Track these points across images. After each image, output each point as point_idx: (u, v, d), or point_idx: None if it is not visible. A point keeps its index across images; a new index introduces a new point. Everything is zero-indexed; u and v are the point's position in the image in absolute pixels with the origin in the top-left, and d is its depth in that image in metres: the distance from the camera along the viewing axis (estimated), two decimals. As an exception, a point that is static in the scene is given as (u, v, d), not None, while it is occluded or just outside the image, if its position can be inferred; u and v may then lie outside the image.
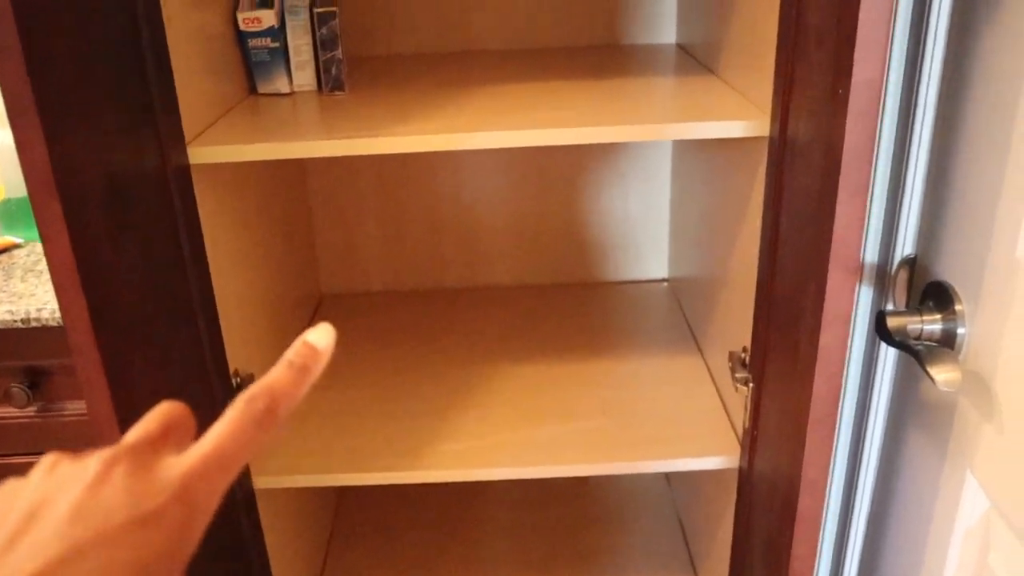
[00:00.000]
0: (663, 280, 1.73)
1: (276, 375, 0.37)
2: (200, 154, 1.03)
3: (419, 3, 1.54)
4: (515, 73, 1.35)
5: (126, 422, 0.84)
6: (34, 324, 1.07)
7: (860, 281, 0.94)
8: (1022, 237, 0.70)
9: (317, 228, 1.70)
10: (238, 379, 1.15)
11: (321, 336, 0.38)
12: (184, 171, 1.02)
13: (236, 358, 1.16)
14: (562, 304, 1.65)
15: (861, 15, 0.61)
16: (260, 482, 1.19)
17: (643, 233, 1.70)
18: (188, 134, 1.04)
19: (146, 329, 0.90)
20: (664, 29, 1.57)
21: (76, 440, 1.16)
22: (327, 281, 1.74)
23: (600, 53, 1.50)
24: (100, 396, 0.76)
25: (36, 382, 1.13)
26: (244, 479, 1.17)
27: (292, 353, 0.37)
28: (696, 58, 1.41)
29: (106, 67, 0.85)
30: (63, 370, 1.13)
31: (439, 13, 1.55)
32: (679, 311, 1.60)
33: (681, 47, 1.52)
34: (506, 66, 1.41)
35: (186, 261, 1.01)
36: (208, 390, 1.07)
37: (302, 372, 0.37)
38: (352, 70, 1.43)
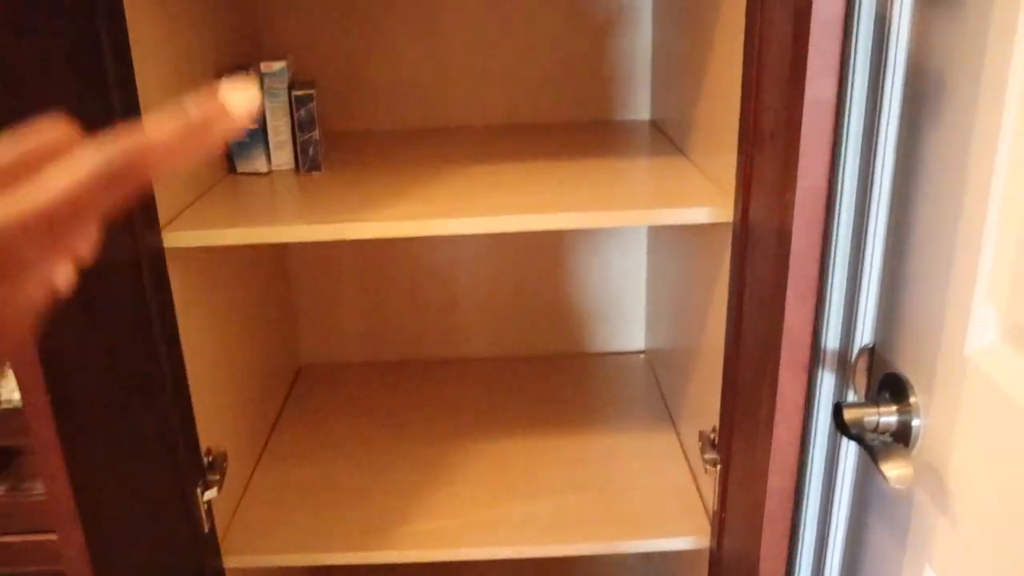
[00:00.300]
0: (640, 352, 1.74)
1: (161, 130, 0.29)
2: (175, 238, 1.05)
3: (400, 80, 1.58)
4: (492, 152, 1.38)
5: (87, 508, 0.84)
6: (5, 405, 1.08)
7: (822, 368, 0.96)
8: (969, 335, 0.72)
9: (297, 299, 1.71)
10: (210, 457, 1.15)
11: (239, 98, 0.30)
12: (158, 255, 1.03)
13: (208, 434, 1.16)
14: (540, 376, 1.65)
15: (804, 123, 0.63)
16: (229, 561, 1.18)
17: (621, 305, 1.72)
18: (164, 217, 1.06)
19: (111, 415, 0.91)
20: (639, 106, 1.60)
21: (45, 520, 1.15)
22: (306, 351, 1.75)
23: (577, 130, 1.53)
24: (60, 486, 0.76)
25: (5, 462, 1.13)
26: (213, 558, 1.17)
27: (194, 107, 0.30)
28: (668, 135, 1.44)
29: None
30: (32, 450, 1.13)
31: (419, 90, 1.58)
32: (655, 384, 1.60)
33: (655, 124, 1.56)
34: (484, 144, 1.44)
35: (157, 345, 1.02)
36: (177, 470, 1.07)
37: (195, 135, 0.29)
38: (331, 145, 1.45)
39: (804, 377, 0.73)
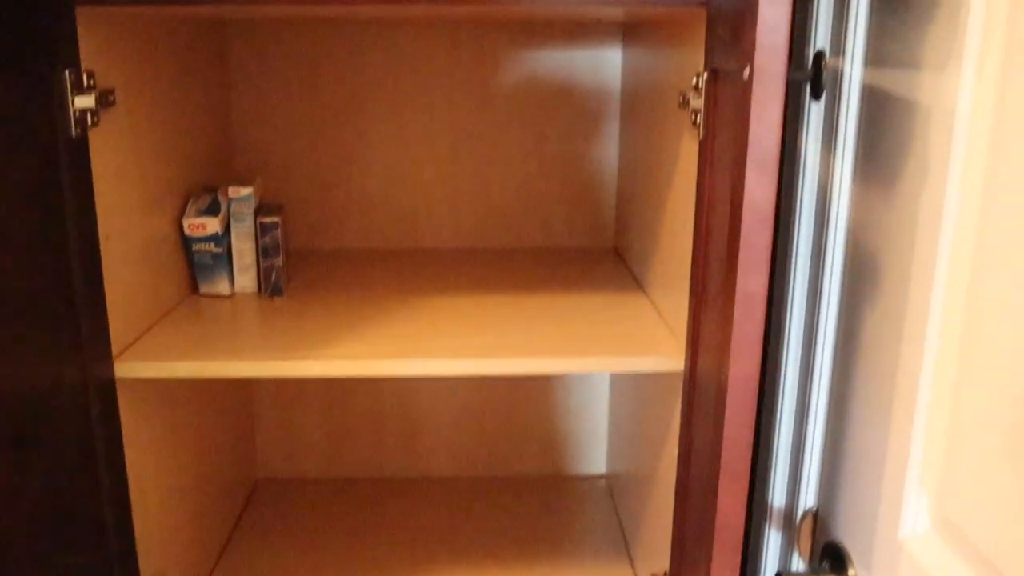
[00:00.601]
0: (602, 476, 1.73)
1: None
2: (128, 369, 1.04)
3: (369, 201, 1.60)
4: (457, 282, 1.39)
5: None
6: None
7: (769, 527, 0.95)
8: (903, 519, 0.72)
9: (257, 412, 1.70)
10: (151, 590, 1.13)
11: None
12: (108, 386, 1.03)
13: (155, 556, 1.13)
14: (500, 499, 1.64)
15: (736, 314, 0.65)
16: None
17: (583, 429, 1.72)
18: (118, 344, 1.06)
19: (45, 553, 0.89)
20: (603, 234, 1.63)
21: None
22: (264, 465, 1.73)
23: (543, 255, 1.55)
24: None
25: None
26: None
27: None
28: (629, 265, 1.46)
29: (21, 275, 0.86)
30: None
31: (389, 211, 1.61)
32: (614, 513, 1.59)
33: (617, 251, 1.58)
34: (450, 270, 1.46)
35: (102, 481, 1.01)
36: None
37: None
38: (297, 266, 1.47)
39: (736, 559, 0.73)
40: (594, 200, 1.62)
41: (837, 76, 0.80)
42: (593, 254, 1.58)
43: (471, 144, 1.59)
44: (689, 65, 1.03)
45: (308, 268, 1.47)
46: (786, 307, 0.71)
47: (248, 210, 1.31)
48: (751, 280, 0.62)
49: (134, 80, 1.11)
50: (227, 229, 1.30)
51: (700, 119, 0.92)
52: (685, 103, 0.97)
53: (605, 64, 1.57)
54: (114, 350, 1.05)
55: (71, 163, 0.94)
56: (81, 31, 0.96)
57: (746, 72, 0.61)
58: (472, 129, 1.58)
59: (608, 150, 1.60)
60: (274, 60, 1.55)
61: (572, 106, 1.58)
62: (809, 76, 0.80)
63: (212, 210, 1.29)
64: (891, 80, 0.73)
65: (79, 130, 0.94)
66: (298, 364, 1.04)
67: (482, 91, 1.57)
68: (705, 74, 0.90)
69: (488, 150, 1.59)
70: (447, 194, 1.61)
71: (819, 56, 0.83)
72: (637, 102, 1.42)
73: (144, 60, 1.14)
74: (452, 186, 1.60)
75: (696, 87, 0.98)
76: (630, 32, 1.49)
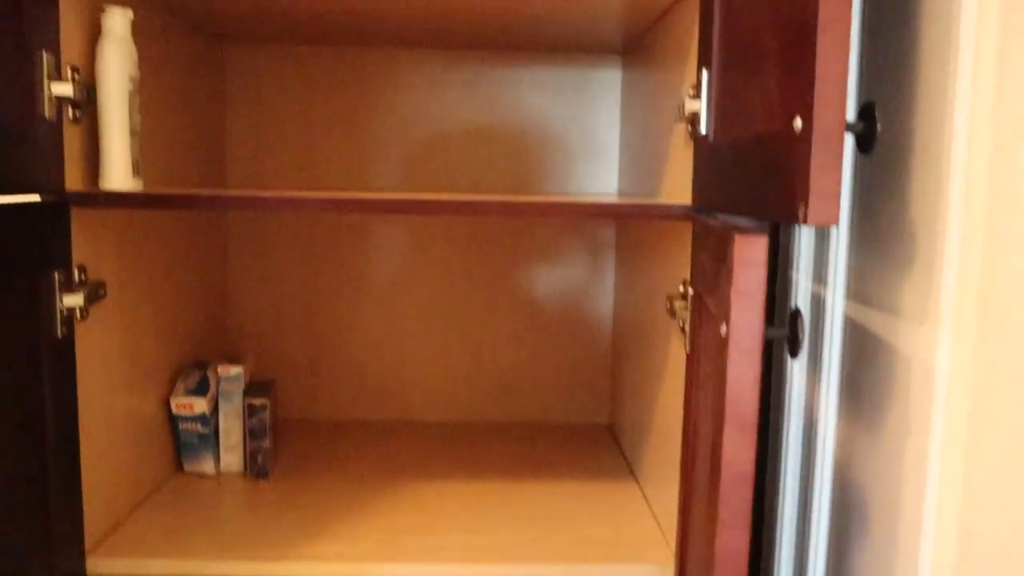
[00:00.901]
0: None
1: None
2: (102, 565, 1.01)
3: (360, 374, 1.60)
4: (445, 465, 1.37)
5: None
6: None
7: None
8: None
9: None
10: None
11: None
12: (78, 586, 0.99)
13: None
14: None
15: (721, 494, 0.63)
16: None
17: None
18: (93, 535, 1.03)
19: None
20: (597, 412, 1.62)
21: None
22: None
23: (535, 432, 1.53)
24: None
25: None
26: None
27: None
28: (621, 448, 1.44)
29: None
30: None
31: (380, 384, 1.60)
32: None
33: (610, 429, 1.56)
34: (438, 452, 1.44)
35: None
36: None
37: None
38: (286, 437, 1.45)
39: None
40: (588, 377, 1.61)
41: (820, 312, 0.81)
42: (587, 433, 1.56)
43: (464, 319, 1.59)
44: (677, 273, 1.04)
45: (297, 441, 1.45)
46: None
47: (237, 389, 1.30)
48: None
49: (127, 271, 1.12)
50: (215, 409, 1.29)
51: (687, 332, 0.92)
52: (672, 312, 0.97)
53: (600, 250, 1.59)
54: (90, 542, 1.03)
55: (54, 364, 0.93)
56: (75, 229, 0.97)
57: (723, 329, 0.61)
58: (465, 304, 1.59)
59: (602, 331, 1.60)
60: (271, 237, 1.57)
61: (567, 290, 1.60)
62: (786, 335, 0.80)
63: (201, 389, 1.28)
64: (873, 321, 0.73)
65: (65, 330, 0.95)
66: (277, 565, 1.01)
67: (476, 269, 1.59)
68: (690, 292, 0.90)
69: (480, 325, 1.60)
70: (440, 367, 1.60)
71: (795, 315, 0.84)
72: (629, 307, 1.43)
73: (138, 251, 1.16)
74: (445, 360, 1.60)
75: (682, 295, 0.98)
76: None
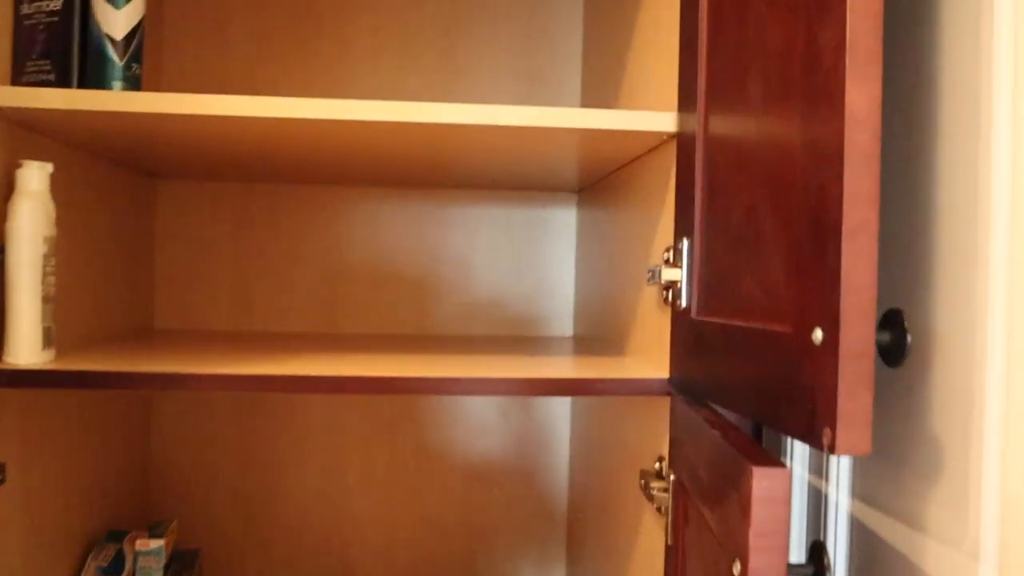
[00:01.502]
0: None
1: None
2: None
3: (296, 543, 1.46)
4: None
5: None
6: None
7: None
8: None
9: None
10: None
11: None
12: None
13: None
14: None
15: None
16: None
17: None
18: None
19: None
20: (549, 570, 1.50)
21: None
22: None
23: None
24: None
25: None
26: None
27: None
28: (585, 615, 1.33)
29: None
30: None
31: (320, 555, 1.47)
32: None
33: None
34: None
35: None
36: None
37: None
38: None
39: None
40: (541, 537, 1.50)
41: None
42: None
43: (410, 472, 1.48)
44: (653, 443, 0.96)
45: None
46: None
47: (157, 565, 1.16)
48: None
49: (33, 447, 0.99)
50: (141, 584, 1.15)
51: (668, 521, 0.83)
52: (648, 494, 0.88)
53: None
54: None
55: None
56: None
57: (736, 568, 0.53)
58: (412, 460, 1.48)
59: (558, 470, 1.50)
60: (200, 409, 1.45)
61: (518, 447, 1.50)
62: (811, 574, 0.73)
63: (115, 568, 1.14)
64: (886, 528, 0.66)
65: (-44, 531, 0.81)
66: None
67: (422, 427, 1.48)
68: (671, 476, 0.82)
69: (427, 478, 1.48)
70: (382, 527, 1.48)
71: (820, 547, 0.77)
72: (590, 475, 1.34)
73: (46, 425, 1.03)
74: (388, 520, 1.48)
75: (658, 473, 0.90)
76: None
